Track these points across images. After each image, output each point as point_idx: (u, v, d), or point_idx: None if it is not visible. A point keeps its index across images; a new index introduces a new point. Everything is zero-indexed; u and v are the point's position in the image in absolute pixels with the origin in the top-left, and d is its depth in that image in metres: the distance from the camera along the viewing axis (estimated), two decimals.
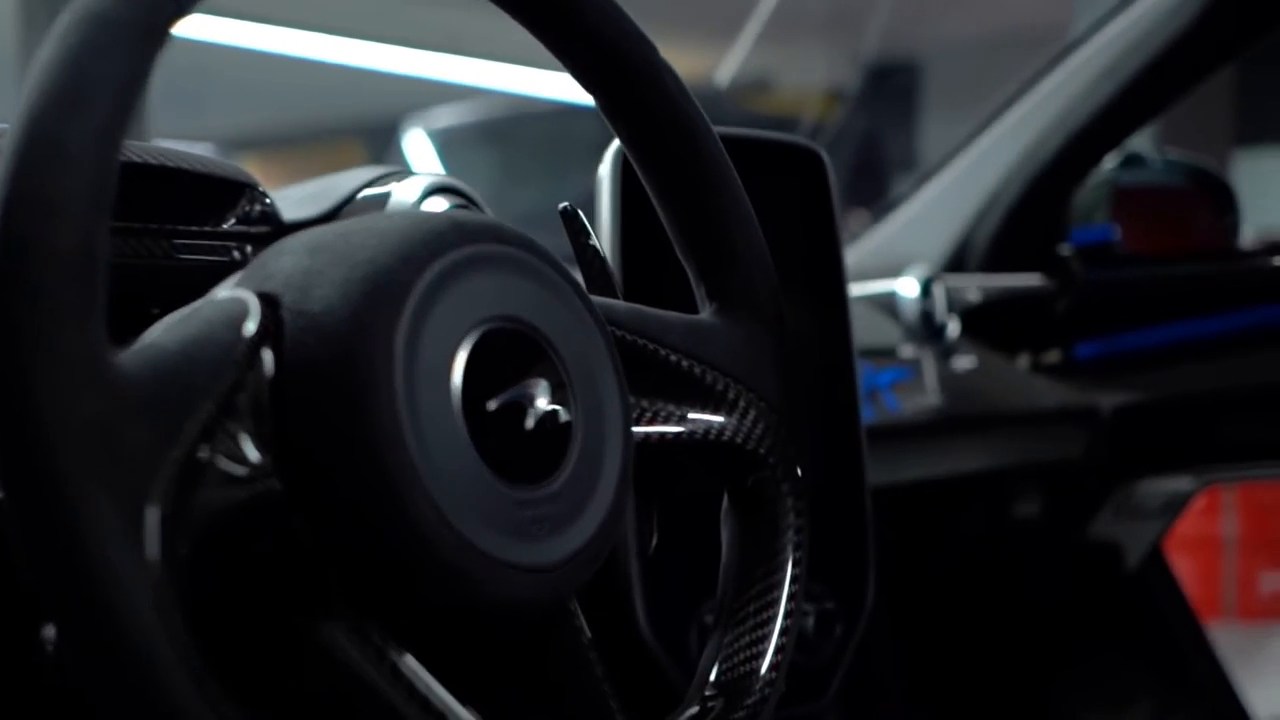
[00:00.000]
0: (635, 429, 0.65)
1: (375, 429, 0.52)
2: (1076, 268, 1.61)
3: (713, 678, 0.67)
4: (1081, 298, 1.59)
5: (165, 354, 0.49)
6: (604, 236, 0.88)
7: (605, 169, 0.91)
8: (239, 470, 0.51)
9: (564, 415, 0.59)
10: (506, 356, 0.58)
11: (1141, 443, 1.59)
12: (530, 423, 0.58)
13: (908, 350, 1.42)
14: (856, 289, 1.50)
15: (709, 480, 0.71)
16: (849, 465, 1.04)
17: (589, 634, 0.63)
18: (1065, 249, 1.63)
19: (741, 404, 0.70)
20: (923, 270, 1.48)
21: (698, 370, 0.69)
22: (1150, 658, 1.78)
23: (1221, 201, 1.76)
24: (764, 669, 0.67)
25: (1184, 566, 5.67)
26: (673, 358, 0.68)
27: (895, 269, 1.49)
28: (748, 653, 0.67)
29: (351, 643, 0.54)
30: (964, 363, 1.47)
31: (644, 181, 0.73)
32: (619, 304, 0.68)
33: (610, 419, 0.61)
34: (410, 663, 0.55)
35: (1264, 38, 1.50)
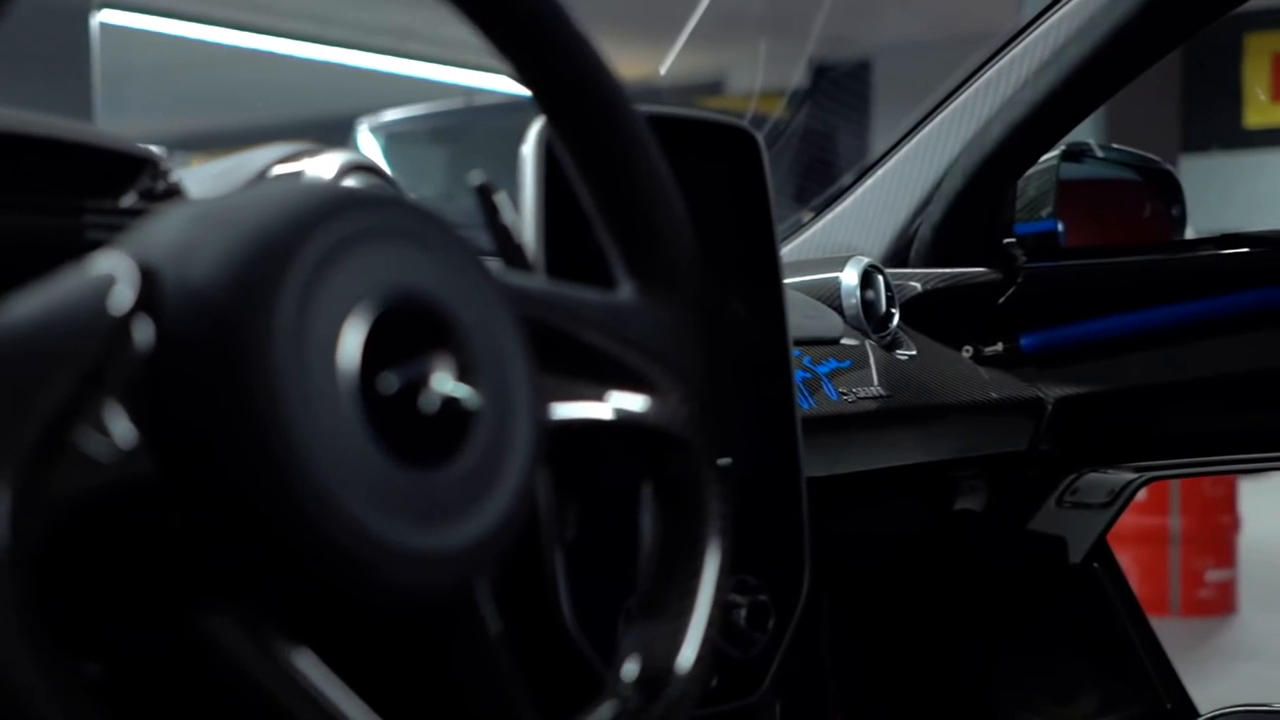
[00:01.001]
0: (549, 412, 0.62)
1: (257, 407, 0.49)
2: (1020, 259, 1.59)
3: (630, 672, 0.64)
4: (1025, 289, 1.57)
5: (18, 322, 0.46)
6: (527, 215, 0.85)
7: (529, 146, 0.88)
8: (107, 451, 0.47)
9: (467, 395, 0.56)
10: (406, 333, 0.55)
11: (1085, 435, 1.58)
12: (430, 403, 0.55)
13: (849, 340, 1.40)
14: (799, 279, 1.48)
15: (630, 466, 0.68)
16: (784, 455, 1.01)
17: (498, 628, 0.60)
18: (1009, 240, 1.61)
19: (662, 386, 0.67)
20: (865, 261, 1.45)
21: (617, 351, 0.66)
22: (1095, 650, 1.77)
23: (1167, 192, 1.75)
24: (684, 663, 0.64)
25: (1131, 563, 5.75)
26: (590, 337, 0.65)
27: (838, 260, 1.46)
28: (667, 646, 0.64)
29: (234, 636, 0.51)
30: (906, 353, 1.45)
31: (563, 154, 0.70)
32: (533, 281, 0.65)
33: (518, 400, 0.58)
34: (300, 657, 0.52)
35: (1205, 25, 1.48)
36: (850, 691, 1.66)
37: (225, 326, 0.50)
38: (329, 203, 0.54)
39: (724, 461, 0.70)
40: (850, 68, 10.51)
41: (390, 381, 0.53)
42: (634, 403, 0.66)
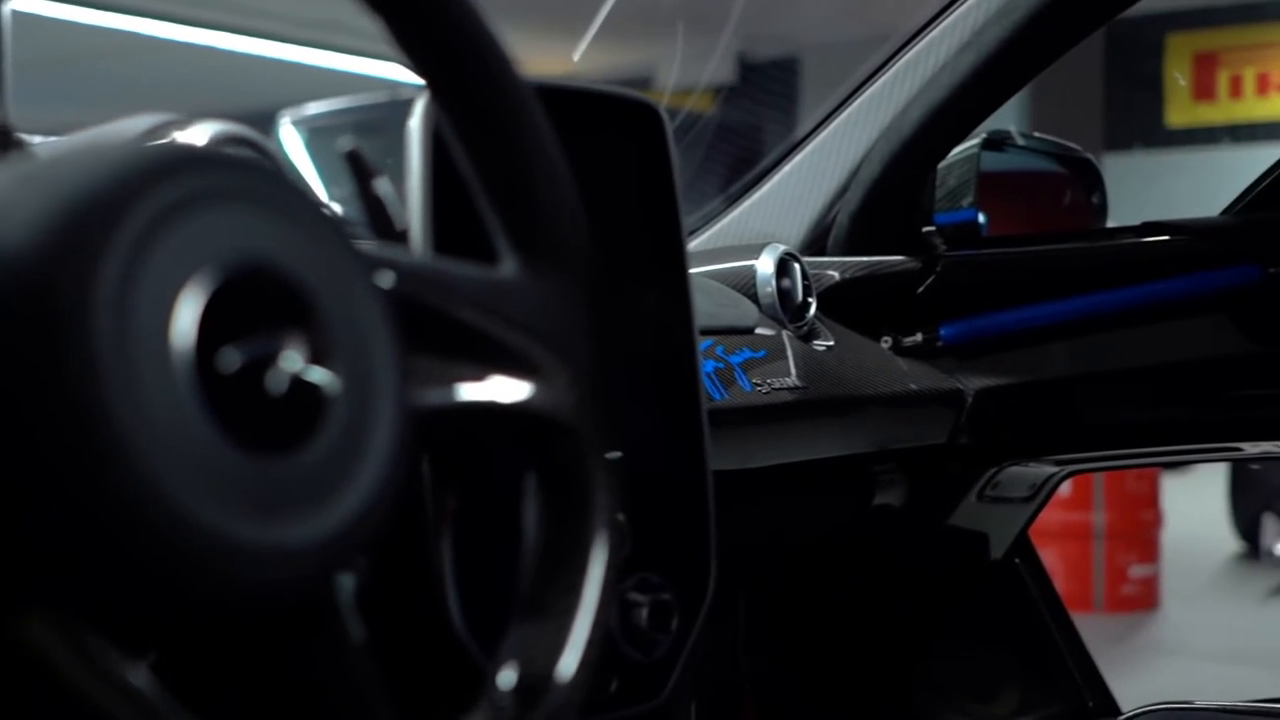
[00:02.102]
0: (420, 396, 0.57)
1: (73, 384, 0.44)
2: (940, 247, 1.55)
3: (507, 679, 0.59)
4: (945, 278, 1.54)
5: None
6: (412, 192, 0.80)
7: (414, 119, 0.83)
8: None
9: (320, 375, 0.50)
10: (253, 307, 0.50)
11: (1006, 427, 1.55)
12: (278, 383, 0.49)
13: (765, 330, 1.35)
14: (712, 268, 1.44)
15: (511, 454, 0.63)
16: (689, 448, 0.97)
17: (360, 635, 0.55)
18: (929, 229, 1.57)
19: (546, 369, 0.62)
20: (781, 248, 1.41)
21: (496, 330, 0.61)
22: (1017, 647, 1.74)
23: (1087, 181, 1.73)
24: (566, 668, 0.59)
25: (1055, 559, 5.75)
26: (467, 316, 0.60)
27: (754, 248, 1.42)
28: (549, 649, 0.59)
29: (55, 643, 0.45)
30: (823, 344, 1.41)
31: (445, 122, 0.65)
32: (404, 254, 0.60)
33: (381, 382, 0.53)
34: (130, 666, 0.46)
35: (1124, 7, 1.45)
36: (767, 692, 1.62)
37: (40, 295, 0.44)
38: (166, 160, 0.49)
39: (614, 455, 0.65)
40: (778, 64, 10.52)
41: (231, 359, 0.48)
42: (515, 387, 0.61)
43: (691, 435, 0.97)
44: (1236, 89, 13.43)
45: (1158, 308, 1.51)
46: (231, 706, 0.51)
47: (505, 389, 0.60)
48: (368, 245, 0.59)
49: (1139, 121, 13.08)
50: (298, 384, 0.50)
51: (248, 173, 0.52)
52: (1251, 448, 1.59)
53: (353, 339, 0.52)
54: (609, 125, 0.94)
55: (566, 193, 0.66)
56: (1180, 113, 13.72)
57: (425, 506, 0.74)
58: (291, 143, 1.01)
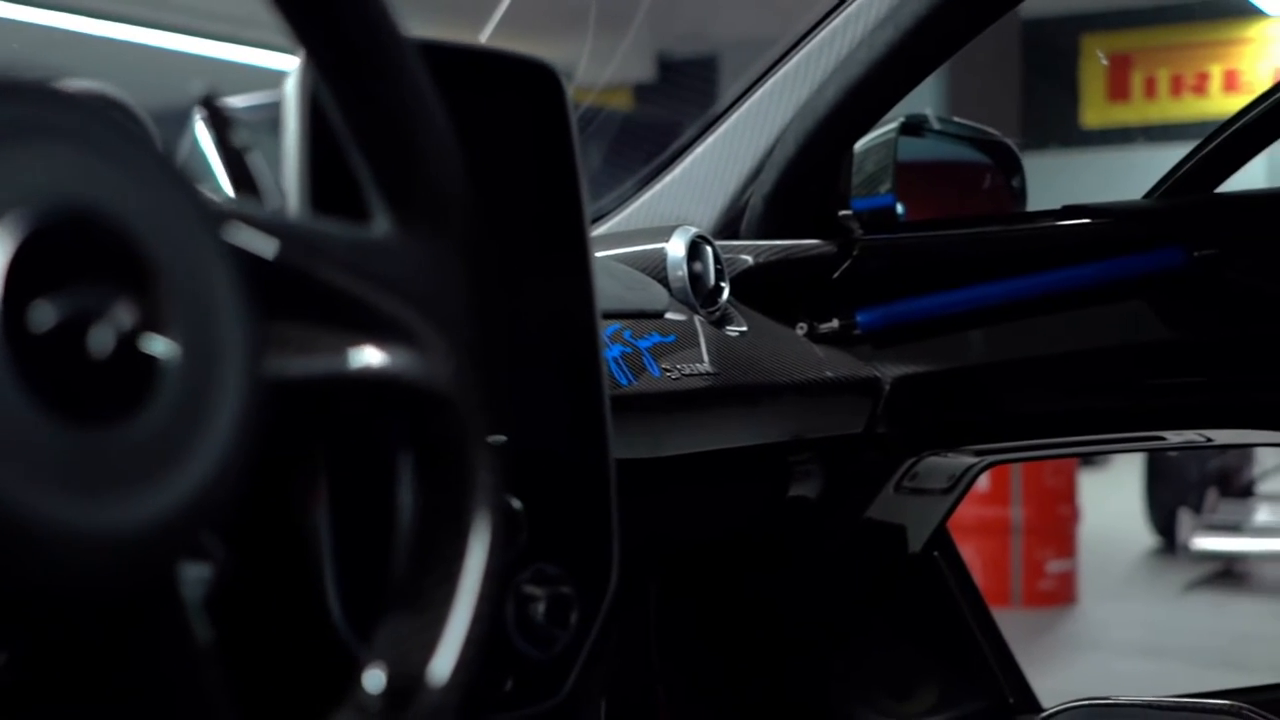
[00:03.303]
0: (277, 364, 0.51)
1: None
2: (856, 230, 1.51)
3: (375, 679, 0.53)
4: (861, 262, 1.49)
5: None
6: (288, 153, 0.74)
7: (291, 79, 0.77)
8: None
9: (153, 338, 0.45)
10: (76, 259, 0.44)
11: (924, 416, 1.51)
12: (101, 345, 0.43)
13: (676, 315, 1.30)
14: (622, 250, 1.39)
15: (383, 430, 0.58)
16: (589, 434, 0.91)
17: (206, 632, 0.49)
18: (845, 212, 1.53)
19: (421, 336, 0.56)
20: (693, 231, 1.36)
21: (366, 292, 0.55)
22: (935, 642, 1.70)
23: (1006, 164, 1.69)
24: (441, 666, 0.53)
25: (973, 555, 5.77)
26: (333, 276, 0.54)
27: (664, 230, 1.37)
28: (422, 645, 0.53)
29: None
30: (737, 330, 1.36)
31: (316, 73, 0.59)
32: (260, 209, 0.54)
33: (226, 347, 0.47)
34: None
35: None
36: (681, 690, 1.57)
37: None
38: None
39: (499, 438, 0.60)
40: (697, 61, 10.50)
41: (45, 316, 0.42)
42: (387, 355, 0.55)
43: (592, 421, 0.92)
44: (1151, 90, 13.60)
45: (1079, 293, 1.48)
46: (64, 709, 0.45)
47: (376, 358, 0.55)
48: (220, 199, 0.53)
49: (1055, 122, 13.21)
50: (126, 347, 0.44)
51: (80, 110, 0.46)
52: (1174, 436, 1.56)
53: (194, 298, 0.46)
54: (503, 89, 0.89)
55: (446, 150, 0.60)
56: (1095, 113, 13.87)
57: (295, 487, 0.68)
58: (204, 138, 0.95)
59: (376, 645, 0.54)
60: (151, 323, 0.45)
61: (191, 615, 0.48)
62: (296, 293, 0.53)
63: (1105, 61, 13.20)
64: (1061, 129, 13.40)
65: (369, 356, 0.55)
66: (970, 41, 1.42)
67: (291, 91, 0.77)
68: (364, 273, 0.55)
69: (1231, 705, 1.36)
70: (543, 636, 0.84)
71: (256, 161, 0.59)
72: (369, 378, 0.55)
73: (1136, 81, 13.63)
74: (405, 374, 0.55)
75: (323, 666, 0.72)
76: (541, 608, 0.84)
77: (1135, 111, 13.61)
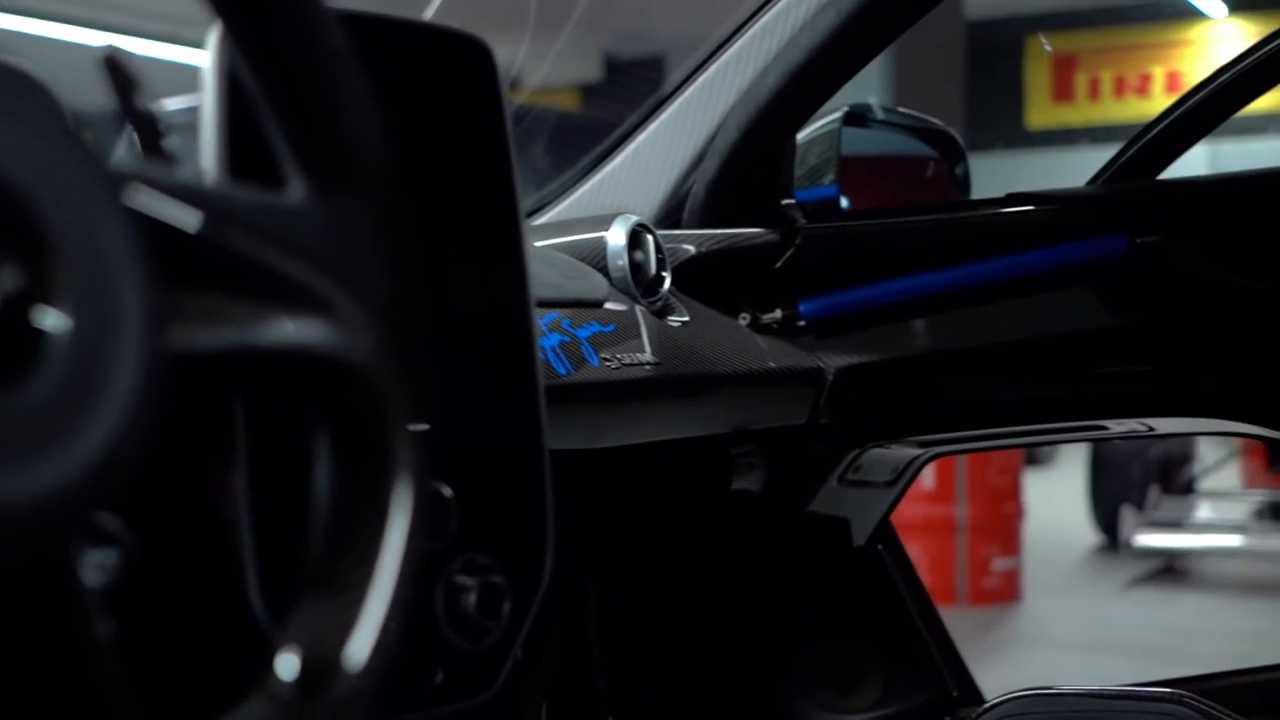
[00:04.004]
0: (181, 335, 0.49)
1: None
2: (799, 220, 1.49)
3: (288, 664, 0.50)
4: (804, 251, 1.48)
5: None
6: (206, 121, 0.71)
7: (210, 46, 0.74)
8: None
9: (43, 306, 0.42)
10: None
11: (868, 407, 1.49)
12: None
13: (616, 305, 1.28)
14: (562, 239, 1.36)
15: (300, 405, 0.55)
16: (523, 422, 0.89)
17: (106, 622, 0.46)
18: (788, 201, 1.51)
19: (338, 306, 0.53)
20: (633, 219, 1.34)
21: (279, 261, 0.53)
22: (879, 636, 1.68)
23: (949, 153, 1.68)
24: (356, 652, 0.51)
25: (919, 553, 5.78)
26: (243, 243, 0.52)
27: (605, 219, 1.35)
28: (337, 630, 0.51)
29: None
30: (678, 320, 1.34)
31: (232, 38, 0.57)
32: (169, 175, 0.52)
33: (123, 316, 0.44)
34: None
35: None
36: (623, 685, 1.55)
37: None
38: None
39: (420, 426, 0.57)
40: (644, 62, 10.48)
41: None
42: (301, 326, 0.52)
43: (526, 409, 0.89)
44: (1095, 91, 13.71)
45: (1022, 281, 1.47)
46: None
47: (289, 329, 0.52)
48: (124, 163, 0.51)
49: (1000, 123, 13.29)
50: (13, 313, 0.41)
51: None
52: (1116, 426, 1.55)
53: (90, 265, 0.44)
54: (431, 64, 0.86)
55: (363, 116, 0.57)
56: (1040, 114, 13.96)
57: (209, 466, 0.65)
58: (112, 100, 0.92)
59: (290, 630, 0.52)
60: (42, 288, 0.42)
61: (90, 603, 0.46)
62: (204, 261, 0.51)
63: (1049, 48, 13.29)
64: (1007, 130, 13.48)
65: (282, 327, 0.52)
66: (912, 25, 1.40)
67: (210, 58, 0.74)
68: (276, 240, 0.53)
69: (1174, 693, 1.36)
70: (474, 628, 0.81)
71: (167, 124, 0.56)
72: (282, 350, 0.52)
73: (1081, 83, 13.73)
74: (320, 346, 0.53)
75: (241, 654, 0.70)
76: (472, 598, 0.81)
77: (1079, 112, 13.71)
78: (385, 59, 0.78)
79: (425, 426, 0.58)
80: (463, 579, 0.81)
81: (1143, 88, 13.16)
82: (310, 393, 0.54)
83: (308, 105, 0.56)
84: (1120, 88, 13.48)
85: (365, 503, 0.53)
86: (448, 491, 0.81)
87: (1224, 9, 11.79)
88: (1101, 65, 13.58)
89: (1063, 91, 13.83)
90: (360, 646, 0.51)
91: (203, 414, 0.63)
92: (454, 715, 0.85)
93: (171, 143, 0.64)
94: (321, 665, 0.50)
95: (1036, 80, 13.86)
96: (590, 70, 11.72)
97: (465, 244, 0.90)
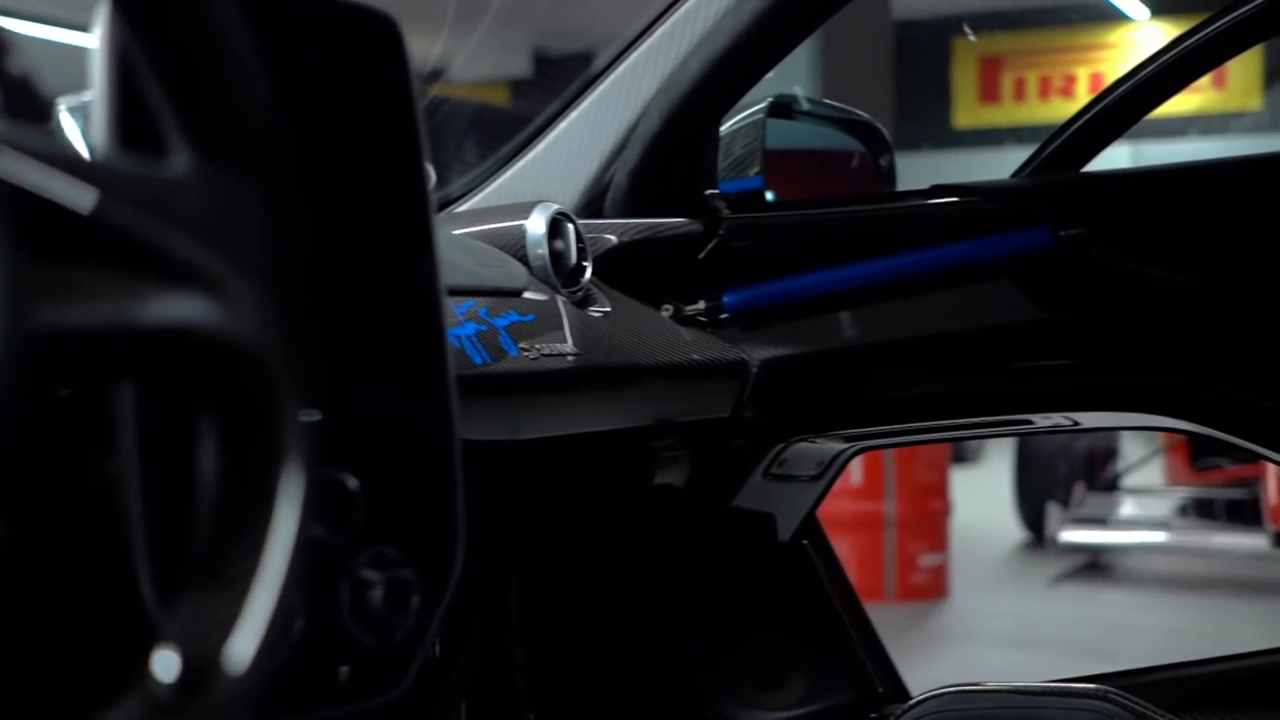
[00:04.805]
0: (56, 312, 0.46)
1: None
2: (723, 210, 1.47)
3: (166, 662, 0.47)
4: (728, 242, 1.45)
5: None
6: (94, 86, 0.67)
7: (101, 10, 0.70)
8: None
9: None
10: None
11: (792, 400, 1.47)
12: None
13: (536, 295, 1.25)
14: (480, 228, 1.34)
15: (182, 388, 0.52)
16: (432, 411, 0.85)
17: None
18: (712, 191, 1.49)
19: (224, 283, 0.50)
20: (553, 207, 1.32)
21: (161, 235, 0.49)
22: (805, 632, 1.66)
23: (874, 145, 1.67)
24: (240, 650, 0.47)
25: (847, 550, 5.79)
26: (120, 214, 0.49)
27: (524, 207, 1.32)
28: (220, 622, 0.48)
29: None
30: (600, 310, 1.32)
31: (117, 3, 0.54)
32: (38, 140, 0.48)
33: None
34: None
35: None
36: (544, 683, 1.52)
37: None
38: None
39: (312, 414, 0.54)
40: (574, 57, 10.45)
41: None
42: (183, 302, 0.49)
43: (435, 398, 0.86)
44: (1020, 92, 13.84)
45: (948, 274, 1.45)
46: None
47: (170, 306, 0.49)
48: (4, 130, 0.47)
49: (927, 123, 13.39)
50: None
51: None
52: (1041, 420, 1.54)
53: None
54: (335, 40, 0.83)
55: (253, 85, 0.54)
56: (967, 114, 14.07)
57: (92, 451, 0.62)
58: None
59: (170, 625, 0.48)
60: None
61: None
62: (77, 232, 0.47)
63: (973, 38, 13.41)
64: (934, 129, 13.58)
65: (164, 304, 0.49)
66: (835, 13, 1.38)
67: (99, 28, 0.70)
68: (158, 212, 0.50)
69: (1099, 689, 1.35)
70: (381, 623, 0.78)
71: (41, 89, 0.53)
72: (164, 328, 0.49)
73: (1007, 84, 13.86)
74: (205, 324, 0.50)
75: (130, 649, 0.66)
76: (379, 593, 0.78)
77: (1005, 113, 13.84)
78: (287, 33, 0.75)
79: (318, 414, 0.55)
80: (369, 573, 0.78)
81: (1067, 89, 13.31)
82: (195, 374, 0.51)
83: (194, 73, 0.53)
84: (1045, 89, 13.62)
85: (252, 490, 0.50)
86: (353, 482, 0.77)
87: (1146, 12, 11.93)
88: (1027, 67, 13.71)
89: (989, 92, 13.95)
90: (244, 644, 0.48)
91: (82, 396, 0.59)
92: (365, 714, 0.82)
93: (56, 117, 0.60)
94: (202, 664, 0.47)
95: (963, 81, 13.98)
96: (520, 65, 11.69)
97: (369, 225, 0.87)
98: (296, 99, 0.61)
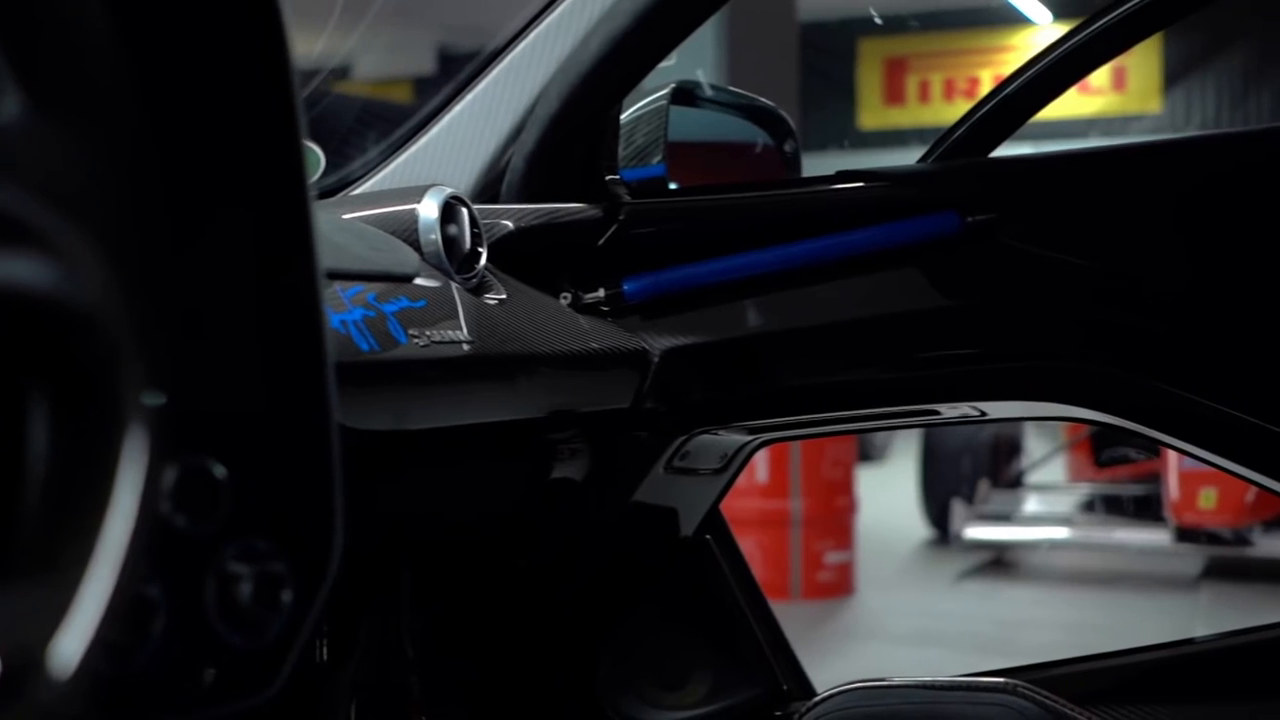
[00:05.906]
0: None
1: None
2: (623, 195, 1.43)
3: None
4: (628, 228, 1.42)
5: None
6: None
7: None
8: None
9: None
10: None
11: (694, 390, 1.43)
12: None
13: (427, 280, 1.21)
14: (371, 212, 1.29)
15: (10, 354, 0.47)
16: (307, 398, 0.80)
17: None
18: (612, 177, 1.45)
19: (60, 242, 0.45)
20: (447, 191, 1.27)
21: None
22: (708, 629, 1.63)
23: (778, 132, 1.63)
24: (67, 647, 0.43)
25: (753, 548, 5.77)
26: None
27: (416, 191, 1.28)
28: (44, 619, 0.43)
29: None
30: (495, 298, 1.27)
31: None
32: None
33: None
34: None
35: None
36: (437, 682, 1.47)
37: None
38: None
39: (158, 397, 0.49)
40: (478, 54, 10.38)
41: None
42: (11, 262, 0.44)
43: (310, 383, 0.81)
44: (925, 94, 13.97)
45: (853, 260, 1.42)
46: None
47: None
48: None
49: (833, 123, 13.47)
50: None
51: None
52: (948, 410, 1.52)
53: None
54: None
55: (97, 26, 0.50)
56: (872, 116, 14.18)
57: None
58: None
59: None
60: None
61: None
62: None
63: (880, 21, 13.52)
64: (839, 131, 13.67)
65: None
66: None
67: None
68: None
69: (1007, 683, 1.33)
70: (250, 621, 0.73)
71: None
72: None
73: (911, 86, 13.98)
74: (36, 285, 0.45)
75: None
76: (248, 588, 0.73)
77: (910, 115, 13.97)
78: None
79: (165, 391, 0.50)
80: (237, 567, 0.73)
81: (971, 90, 13.45)
82: (24, 341, 0.46)
83: (25, 5, 0.48)
84: (949, 91, 13.76)
85: (86, 470, 0.45)
86: (220, 470, 0.72)
87: (1049, 15, 12.08)
88: (931, 69, 13.84)
89: (894, 94, 14.07)
90: (73, 641, 0.43)
91: None
92: (239, 716, 0.77)
93: None
94: (23, 662, 0.42)
95: (868, 83, 14.08)
96: (424, 63, 11.59)
97: (231, 190, 0.81)
98: (147, 43, 0.56)
